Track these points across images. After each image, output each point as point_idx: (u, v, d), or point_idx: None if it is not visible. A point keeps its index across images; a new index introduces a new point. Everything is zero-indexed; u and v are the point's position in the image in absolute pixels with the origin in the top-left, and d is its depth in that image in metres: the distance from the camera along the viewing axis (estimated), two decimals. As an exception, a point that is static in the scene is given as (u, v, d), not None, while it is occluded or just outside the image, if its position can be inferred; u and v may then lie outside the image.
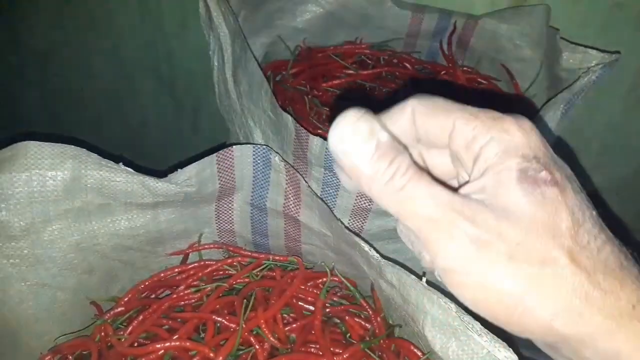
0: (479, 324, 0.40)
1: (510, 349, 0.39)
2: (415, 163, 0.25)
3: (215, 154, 0.54)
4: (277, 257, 0.64)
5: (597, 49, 0.64)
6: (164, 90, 1.14)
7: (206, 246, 0.65)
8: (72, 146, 0.49)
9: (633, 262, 0.25)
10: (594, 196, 0.26)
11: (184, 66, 1.08)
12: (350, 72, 0.82)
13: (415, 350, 0.55)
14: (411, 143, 0.29)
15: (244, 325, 0.54)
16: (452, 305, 0.42)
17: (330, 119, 0.21)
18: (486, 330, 0.40)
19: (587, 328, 0.23)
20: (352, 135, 0.24)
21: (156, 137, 1.25)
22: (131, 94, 1.17)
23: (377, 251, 0.49)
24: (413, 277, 0.46)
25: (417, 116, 0.27)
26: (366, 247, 0.49)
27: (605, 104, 0.85)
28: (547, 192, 0.24)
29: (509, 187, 0.24)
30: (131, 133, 1.26)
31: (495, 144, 0.25)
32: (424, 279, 0.44)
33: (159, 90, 1.14)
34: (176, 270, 0.63)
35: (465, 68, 0.85)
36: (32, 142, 0.47)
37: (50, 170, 0.49)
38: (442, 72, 0.84)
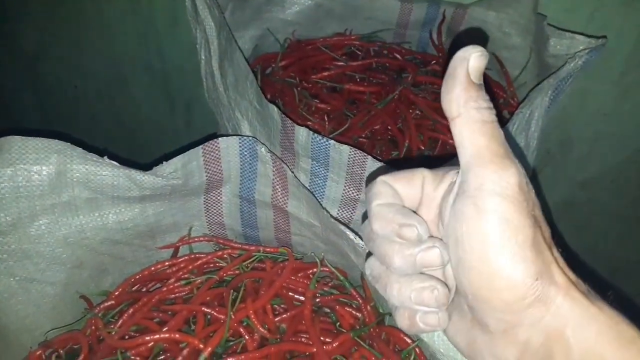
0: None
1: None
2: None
3: (200, 146, 0.54)
4: (267, 249, 0.64)
5: (584, 34, 0.64)
6: (156, 86, 1.14)
7: (196, 239, 0.65)
8: (57, 140, 0.49)
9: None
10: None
11: (175, 62, 1.08)
12: (340, 63, 0.82)
13: (405, 337, 0.56)
14: (415, 206, 0.33)
15: (232, 316, 0.54)
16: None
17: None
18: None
19: (551, 289, 0.27)
20: (483, 58, 0.28)
21: (150, 132, 1.25)
22: (124, 91, 1.17)
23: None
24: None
25: (427, 184, 0.33)
26: (352, 236, 0.49)
27: (597, 91, 0.85)
28: None
29: None
30: (125, 129, 1.26)
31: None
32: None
33: (152, 86, 1.14)
34: (167, 263, 0.63)
35: (455, 57, 0.84)
36: (15, 136, 0.47)
37: (35, 164, 0.49)
38: (433, 62, 0.84)
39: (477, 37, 0.78)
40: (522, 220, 0.27)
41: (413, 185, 0.33)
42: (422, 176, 0.33)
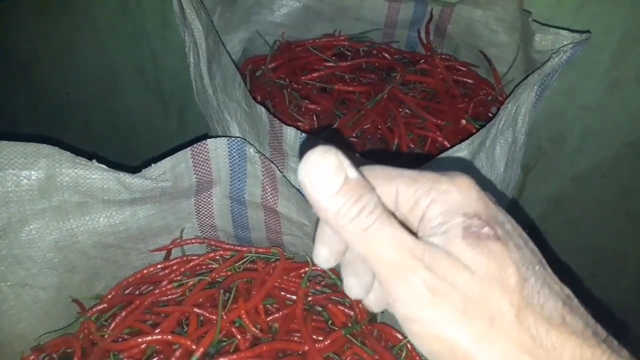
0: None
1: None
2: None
3: (189, 148, 0.55)
4: (259, 250, 0.65)
5: (568, 29, 0.65)
6: (149, 91, 1.14)
7: (188, 241, 0.65)
8: (45, 145, 0.49)
9: (577, 316, 0.25)
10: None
11: (168, 66, 1.08)
12: (330, 64, 0.83)
13: (397, 334, 0.56)
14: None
15: (225, 317, 0.55)
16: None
17: (301, 154, 0.23)
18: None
19: None
20: (321, 167, 0.24)
21: (144, 137, 1.25)
22: (117, 95, 1.18)
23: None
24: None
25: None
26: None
27: (585, 86, 0.85)
28: (492, 246, 0.24)
29: (457, 244, 0.25)
30: (119, 134, 1.26)
31: (437, 205, 0.26)
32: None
33: (145, 91, 1.14)
34: (159, 266, 0.63)
35: (443, 56, 0.85)
36: (3, 142, 0.48)
37: (24, 169, 0.49)
38: (421, 61, 0.85)
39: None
40: (450, 319, 0.24)
41: None
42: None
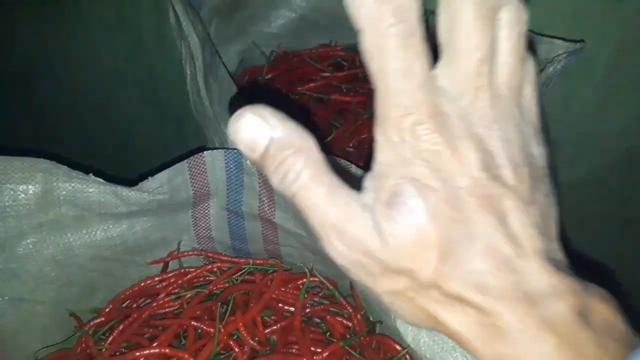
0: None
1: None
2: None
3: (186, 161, 0.55)
4: (257, 261, 0.64)
5: (562, 38, 0.65)
6: (147, 102, 1.14)
7: (185, 253, 0.65)
8: (42, 159, 0.49)
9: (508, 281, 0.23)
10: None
11: (165, 77, 1.08)
12: (326, 74, 0.83)
13: (396, 345, 0.56)
14: None
15: (222, 330, 0.55)
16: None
17: (231, 112, 0.22)
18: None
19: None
20: (243, 131, 0.23)
21: (143, 148, 1.25)
22: (115, 108, 1.18)
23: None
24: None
25: None
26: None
27: (580, 94, 0.86)
28: (415, 221, 0.22)
29: (379, 211, 0.23)
30: (118, 146, 1.26)
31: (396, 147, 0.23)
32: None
33: (143, 102, 1.14)
34: (156, 278, 0.63)
35: (439, 65, 0.85)
36: (0, 157, 0.48)
37: (21, 184, 0.49)
38: (417, 70, 0.85)
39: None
40: (367, 281, 0.25)
41: None
42: None
